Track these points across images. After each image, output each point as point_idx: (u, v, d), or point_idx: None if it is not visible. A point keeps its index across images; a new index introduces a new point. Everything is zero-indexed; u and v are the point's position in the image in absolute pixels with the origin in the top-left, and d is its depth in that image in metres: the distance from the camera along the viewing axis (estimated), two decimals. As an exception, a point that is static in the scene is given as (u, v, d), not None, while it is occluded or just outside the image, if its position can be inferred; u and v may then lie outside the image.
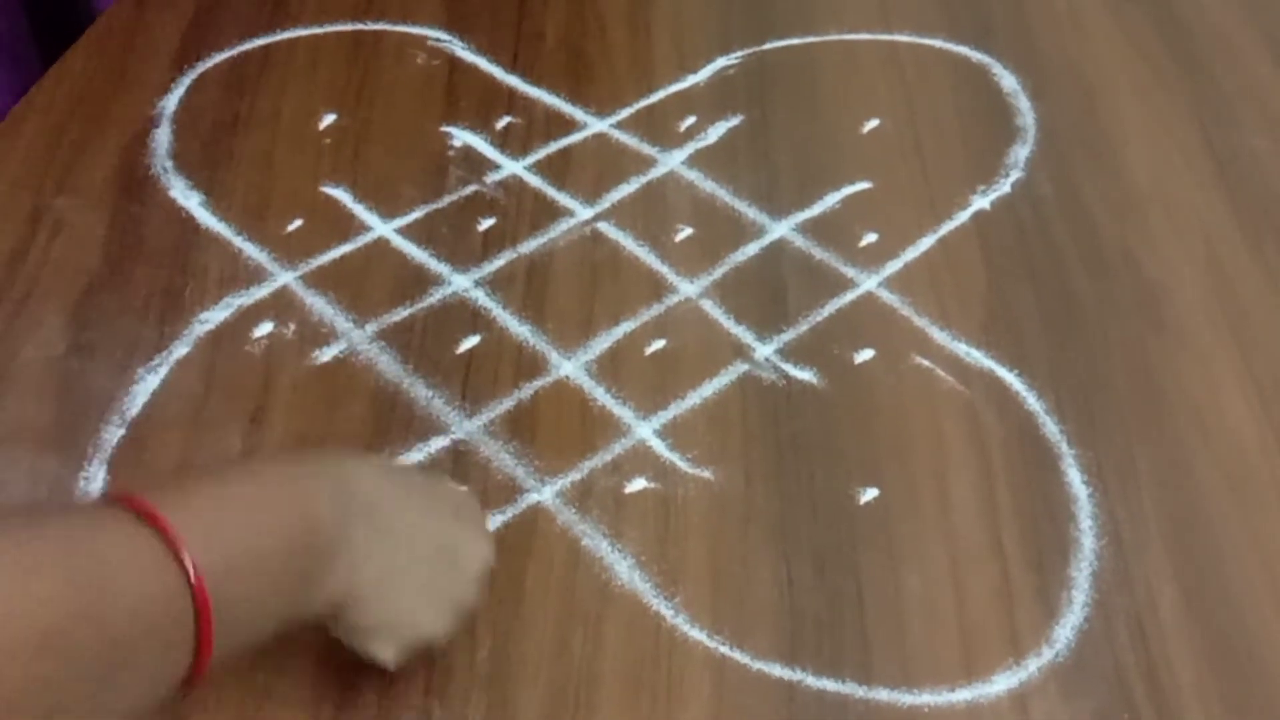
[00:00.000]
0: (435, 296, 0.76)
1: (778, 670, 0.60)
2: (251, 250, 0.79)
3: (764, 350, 0.73)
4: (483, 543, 0.58)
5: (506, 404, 0.71)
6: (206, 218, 0.81)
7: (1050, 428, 0.69)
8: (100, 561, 0.44)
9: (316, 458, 0.55)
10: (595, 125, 0.87)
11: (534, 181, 0.83)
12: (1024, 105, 0.87)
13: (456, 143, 0.86)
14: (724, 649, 0.61)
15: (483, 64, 0.91)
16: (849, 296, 0.76)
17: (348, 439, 0.69)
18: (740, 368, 0.72)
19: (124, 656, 0.44)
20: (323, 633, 0.60)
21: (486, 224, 0.81)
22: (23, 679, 0.41)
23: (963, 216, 0.80)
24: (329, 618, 0.53)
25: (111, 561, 0.44)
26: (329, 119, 0.87)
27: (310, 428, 0.70)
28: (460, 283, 0.77)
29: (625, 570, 0.64)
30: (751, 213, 0.81)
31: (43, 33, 1.00)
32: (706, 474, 0.67)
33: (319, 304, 0.76)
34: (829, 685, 0.60)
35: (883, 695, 0.60)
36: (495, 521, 0.65)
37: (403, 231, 0.80)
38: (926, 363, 0.73)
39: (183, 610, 0.45)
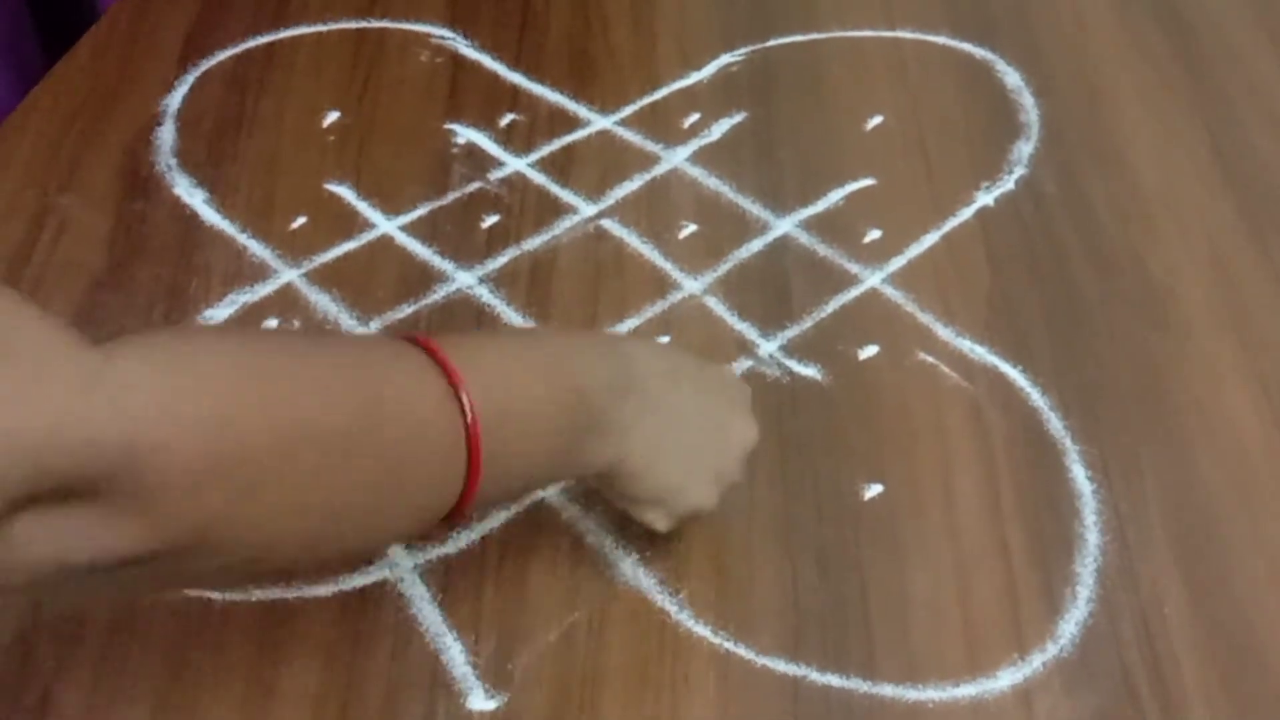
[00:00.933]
0: (439, 294, 0.76)
1: (782, 666, 0.60)
2: (256, 248, 0.79)
3: (768, 347, 0.73)
4: (749, 423, 0.60)
5: (511, 401, 0.71)
6: (211, 215, 0.81)
7: (1054, 424, 0.69)
8: (389, 386, 0.48)
9: (597, 335, 0.60)
10: (599, 122, 0.87)
11: (537, 179, 0.83)
12: (1028, 102, 0.87)
13: (460, 140, 0.86)
14: (728, 645, 0.61)
15: (486, 61, 0.91)
16: (853, 293, 0.76)
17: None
18: (744, 364, 0.72)
19: (398, 478, 0.49)
20: (328, 627, 0.61)
21: (490, 221, 0.81)
22: (311, 471, 0.45)
23: (966, 213, 0.80)
24: (599, 482, 0.58)
25: (399, 389, 0.48)
26: (333, 116, 0.87)
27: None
28: (464, 280, 0.77)
29: (629, 567, 0.64)
30: (755, 209, 0.81)
31: (46, 31, 1.01)
32: (711, 470, 0.67)
33: (323, 301, 0.76)
34: (834, 681, 0.60)
35: (887, 691, 0.60)
36: (500, 518, 0.65)
37: (407, 229, 0.80)
38: (930, 359, 0.73)
39: (456, 445, 0.49)
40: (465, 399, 0.49)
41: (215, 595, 0.63)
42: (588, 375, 0.55)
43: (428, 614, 0.62)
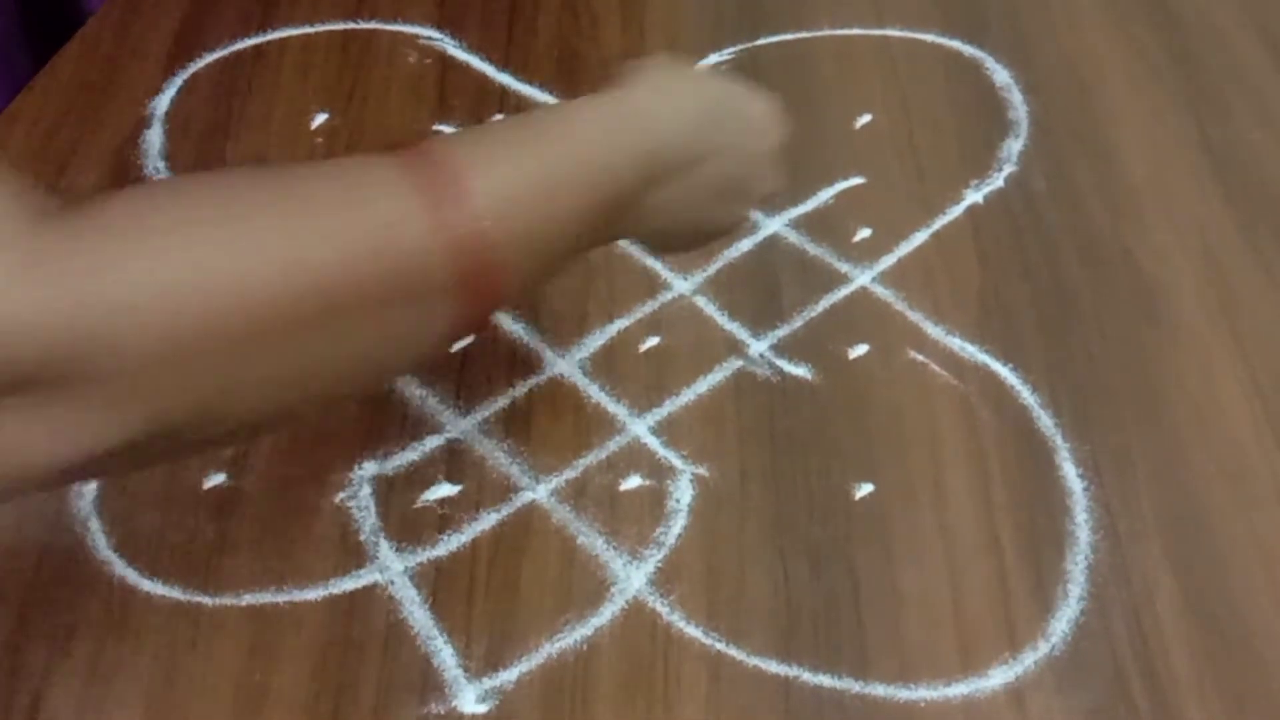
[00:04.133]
0: (429, 295, 0.76)
1: (774, 666, 0.60)
2: (244, 250, 0.79)
3: (758, 346, 0.73)
4: (769, 178, 0.61)
5: (501, 402, 0.71)
6: (199, 218, 0.81)
7: (1045, 421, 0.69)
8: (369, 221, 0.44)
9: (617, 107, 0.55)
10: (588, 123, 0.87)
11: (527, 179, 0.83)
12: (1017, 99, 0.87)
13: (449, 141, 0.85)
14: (720, 645, 0.61)
15: (474, 62, 0.91)
16: (843, 292, 0.76)
17: (343, 438, 0.69)
18: (734, 364, 0.72)
19: (388, 318, 0.45)
20: (319, 630, 0.61)
21: (480, 222, 0.80)
22: (289, 338, 0.42)
23: (956, 211, 0.80)
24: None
25: (381, 222, 0.45)
26: (321, 119, 0.87)
27: (305, 428, 0.69)
28: (454, 281, 0.77)
29: (620, 568, 0.64)
30: (745, 209, 0.81)
31: (34, 33, 1.00)
32: (701, 471, 0.67)
33: (312, 304, 0.76)
34: (825, 681, 0.60)
35: (879, 690, 0.60)
36: (490, 520, 0.65)
37: (396, 230, 0.80)
38: (921, 358, 0.73)
39: (457, 269, 0.46)
40: (460, 214, 0.46)
41: (205, 599, 0.62)
42: (607, 164, 0.53)
43: (418, 617, 0.62)
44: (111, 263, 0.38)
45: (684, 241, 0.61)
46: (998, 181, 0.82)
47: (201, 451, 0.54)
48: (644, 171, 0.54)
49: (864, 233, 0.79)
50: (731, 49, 0.92)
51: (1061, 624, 0.62)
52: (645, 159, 0.54)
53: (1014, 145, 0.84)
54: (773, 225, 0.80)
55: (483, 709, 0.59)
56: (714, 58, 0.91)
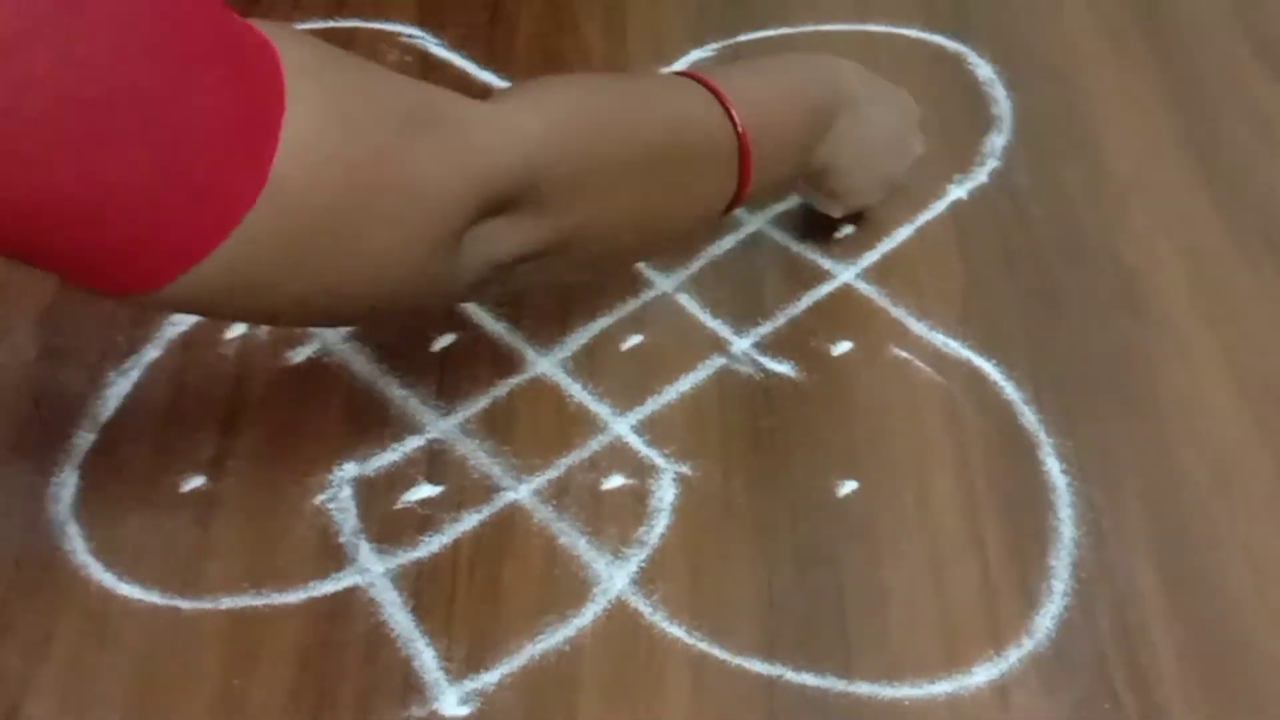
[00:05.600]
0: (409, 295, 0.76)
1: (757, 665, 0.60)
2: (224, 251, 0.78)
3: (741, 344, 0.73)
4: (919, 138, 0.75)
5: (482, 402, 0.70)
6: (178, 219, 0.80)
7: (1029, 417, 0.69)
8: (686, 113, 0.64)
9: (818, 59, 0.74)
10: (570, 120, 0.86)
11: (508, 178, 0.83)
12: (1000, 94, 0.87)
13: (430, 140, 0.85)
14: (703, 645, 0.61)
15: (456, 60, 0.91)
16: (826, 289, 0.76)
17: (323, 439, 0.68)
18: (717, 362, 0.72)
19: (696, 182, 0.65)
20: (299, 634, 0.60)
21: (461, 221, 0.80)
22: (643, 181, 0.61)
23: (940, 207, 0.80)
24: (810, 181, 0.73)
25: (693, 114, 0.64)
26: (301, 118, 0.86)
27: (284, 429, 0.69)
28: (435, 281, 0.76)
29: (603, 567, 0.63)
30: (727, 206, 0.80)
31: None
32: (684, 469, 0.67)
33: (292, 304, 0.75)
34: (809, 680, 0.59)
35: (863, 689, 0.59)
36: (472, 521, 0.65)
37: (376, 230, 0.79)
38: (904, 354, 0.72)
39: (732, 155, 0.64)
40: (736, 118, 0.64)
41: (184, 603, 0.62)
42: (818, 94, 0.70)
43: (399, 619, 0.61)
44: (544, 118, 0.57)
45: (862, 181, 0.73)
46: (981, 177, 0.82)
47: (564, 277, 0.70)
48: (831, 97, 0.70)
49: (847, 229, 0.78)
50: (714, 45, 0.91)
51: (1046, 620, 0.61)
52: (832, 86, 0.70)
53: (997, 140, 0.84)
54: (755, 222, 0.79)
55: (464, 711, 0.58)
56: (696, 54, 0.91)
